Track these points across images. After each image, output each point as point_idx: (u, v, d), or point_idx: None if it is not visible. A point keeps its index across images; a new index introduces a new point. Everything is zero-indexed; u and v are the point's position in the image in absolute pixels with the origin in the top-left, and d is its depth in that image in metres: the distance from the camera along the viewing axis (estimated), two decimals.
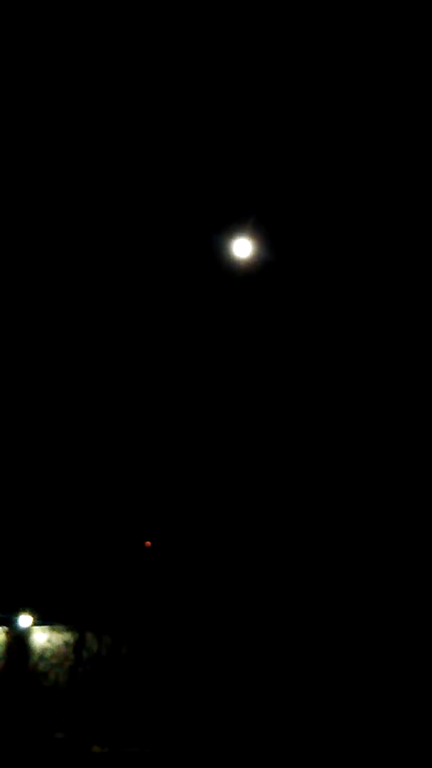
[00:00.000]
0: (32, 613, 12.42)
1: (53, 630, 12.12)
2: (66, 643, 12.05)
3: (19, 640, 12.75)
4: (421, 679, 8.28)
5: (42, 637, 12.23)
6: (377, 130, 7.56)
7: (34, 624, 12.52)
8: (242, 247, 8.28)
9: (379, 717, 8.38)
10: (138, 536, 10.15)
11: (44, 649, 12.14)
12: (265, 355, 9.01)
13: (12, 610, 12.65)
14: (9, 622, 13.35)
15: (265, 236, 8.52)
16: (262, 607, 9.18)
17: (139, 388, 9.31)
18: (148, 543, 10.12)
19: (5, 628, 13.72)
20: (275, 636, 9.10)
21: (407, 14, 6.55)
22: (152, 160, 8.48)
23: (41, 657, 12.18)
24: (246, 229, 8.31)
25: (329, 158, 8.02)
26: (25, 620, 12.63)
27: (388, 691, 8.42)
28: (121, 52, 7.28)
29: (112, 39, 7.20)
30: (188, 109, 7.78)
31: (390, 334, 8.86)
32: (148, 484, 9.42)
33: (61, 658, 11.89)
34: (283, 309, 8.80)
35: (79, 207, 8.94)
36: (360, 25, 6.72)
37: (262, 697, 9.14)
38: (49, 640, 12.05)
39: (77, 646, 11.77)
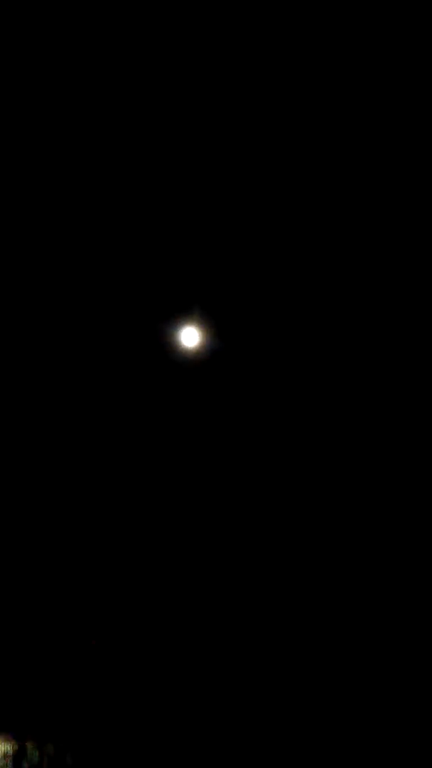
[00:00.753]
0: None
1: None
2: (4, 755, 11.00)
3: None
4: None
5: None
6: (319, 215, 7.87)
7: None
8: (190, 337, 8.33)
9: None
10: (82, 635, 9.59)
11: None
12: (214, 446, 8.91)
13: None
14: None
15: (213, 324, 8.60)
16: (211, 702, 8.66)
17: (77, 485, 9.01)
18: (93, 642, 9.57)
19: None
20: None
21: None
22: (95, 241, 8.59)
23: None
24: (193, 317, 8.39)
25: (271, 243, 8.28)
26: None
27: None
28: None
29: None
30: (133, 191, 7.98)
31: (341, 419, 8.92)
32: (89, 579, 8.98)
33: None
34: (232, 398, 8.79)
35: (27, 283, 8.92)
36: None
37: None
38: None
39: (17, 758, 10.77)
